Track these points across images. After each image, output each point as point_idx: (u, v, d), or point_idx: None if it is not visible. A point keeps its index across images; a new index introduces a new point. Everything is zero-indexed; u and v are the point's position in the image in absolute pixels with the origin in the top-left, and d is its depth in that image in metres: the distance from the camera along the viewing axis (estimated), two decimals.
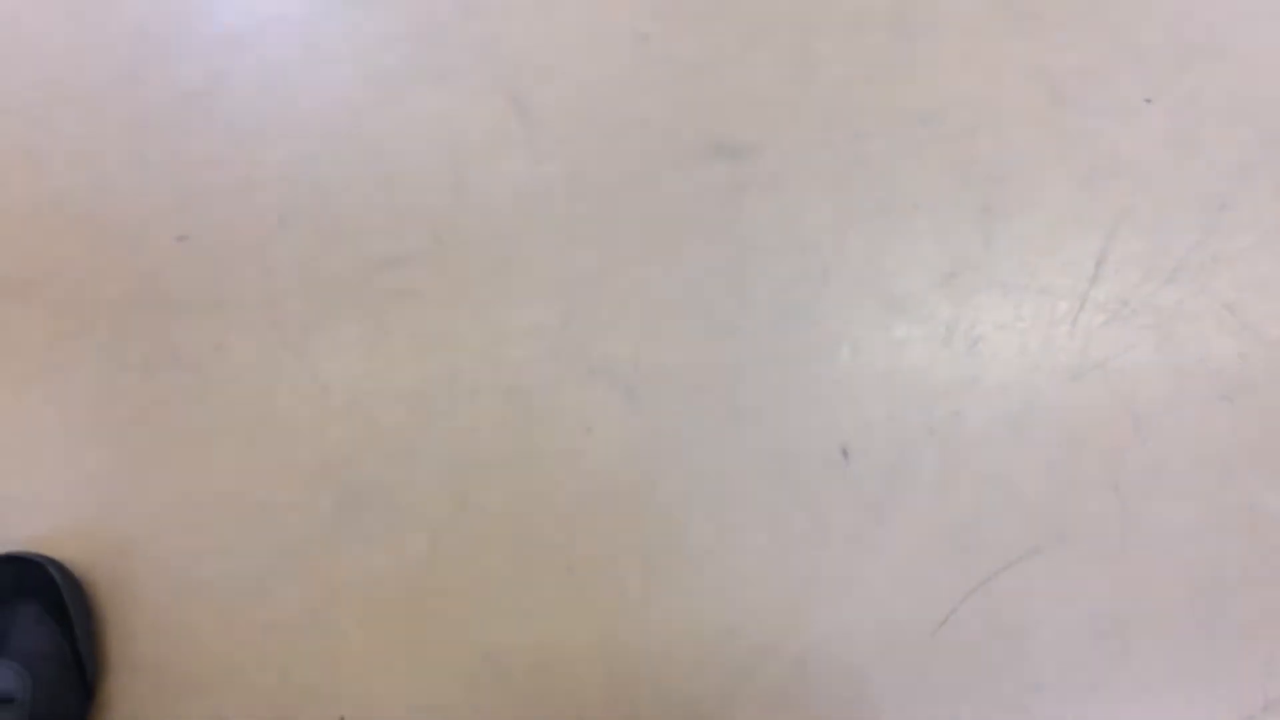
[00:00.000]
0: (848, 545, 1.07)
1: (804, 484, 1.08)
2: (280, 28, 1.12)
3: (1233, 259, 1.09)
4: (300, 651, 1.05)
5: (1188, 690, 1.06)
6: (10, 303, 1.09)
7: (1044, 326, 1.09)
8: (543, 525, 1.07)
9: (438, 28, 1.12)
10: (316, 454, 1.08)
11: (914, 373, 1.09)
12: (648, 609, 1.06)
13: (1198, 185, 1.10)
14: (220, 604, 1.06)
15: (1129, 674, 1.06)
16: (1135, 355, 1.09)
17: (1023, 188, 1.10)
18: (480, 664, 1.05)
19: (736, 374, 1.09)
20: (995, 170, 1.10)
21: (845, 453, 1.08)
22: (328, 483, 1.07)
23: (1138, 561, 1.07)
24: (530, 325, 1.09)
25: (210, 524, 1.06)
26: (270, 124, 1.10)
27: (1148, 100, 1.11)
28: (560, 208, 1.10)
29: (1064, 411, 1.08)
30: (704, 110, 1.10)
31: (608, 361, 1.09)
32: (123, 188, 1.10)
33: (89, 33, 1.11)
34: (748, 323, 1.09)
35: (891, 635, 1.06)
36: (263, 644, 1.05)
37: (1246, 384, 1.09)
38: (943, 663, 1.06)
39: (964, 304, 1.10)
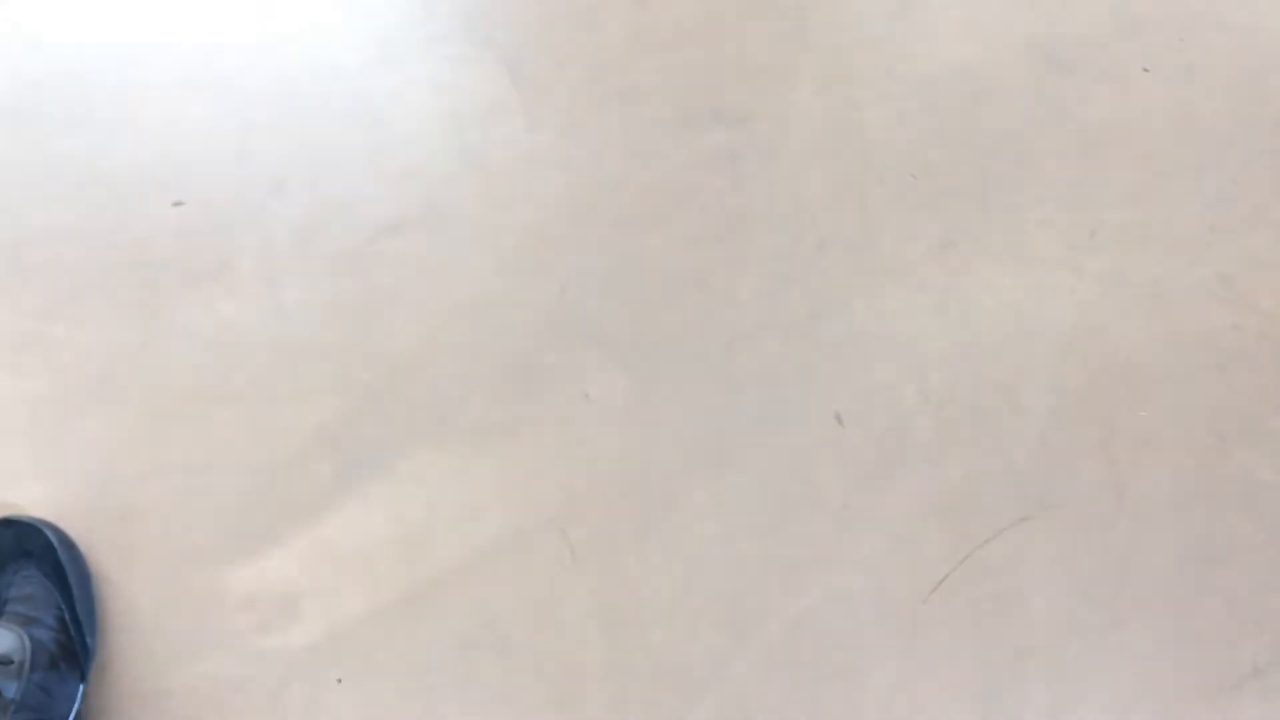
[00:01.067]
0: (842, 512, 1.08)
1: (799, 451, 1.09)
2: None
3: (1228, 230, 1.10)
4: (298, 615, 1.06)
5: (1177, 656, 1.07)
6: (6, 269, 1.08)
7: (1039, 295, 1.10)
8: (539, 491, 1.08)
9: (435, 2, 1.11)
10: (314, 420, 1.08)
11: (909, 341, 1.09)
12: (643, 574, 1.07)
13: (1195, 156, 1.10)
14: (218, 568, 1.06)
15: (1119, 640, 1.07)
16: (1129, 325, 1.09)
17: (1019, 157, 1.10)
18: (477, 628, 1.06)
19: (732, 341, 1.09)
20: (992, 139, 1.10)
21: (840, 420, 1.09)
22: (326, 448, 1.07)
23: (1129, 529, 1.08)
24: (527, 292, 1.09)
25: (208, 489, 1.07)
26: (266, 90, 1.10)
27: (1146, 70, 1.11)
28: (556, 175, 1.10)
29: (1058, 380, 1.09)
30: (700, 79, 1.10)
31: (605, 328, 1.09)
32: (118, 153, 1.10)
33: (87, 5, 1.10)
34: (743, 291, 1.09)
35: (885, 601, 1.07)
36: (260, 608, 1.06)
37: (1240, 355, 1.09)
38: (935, 628, 1.07)
39: (959, 273, 1.10)
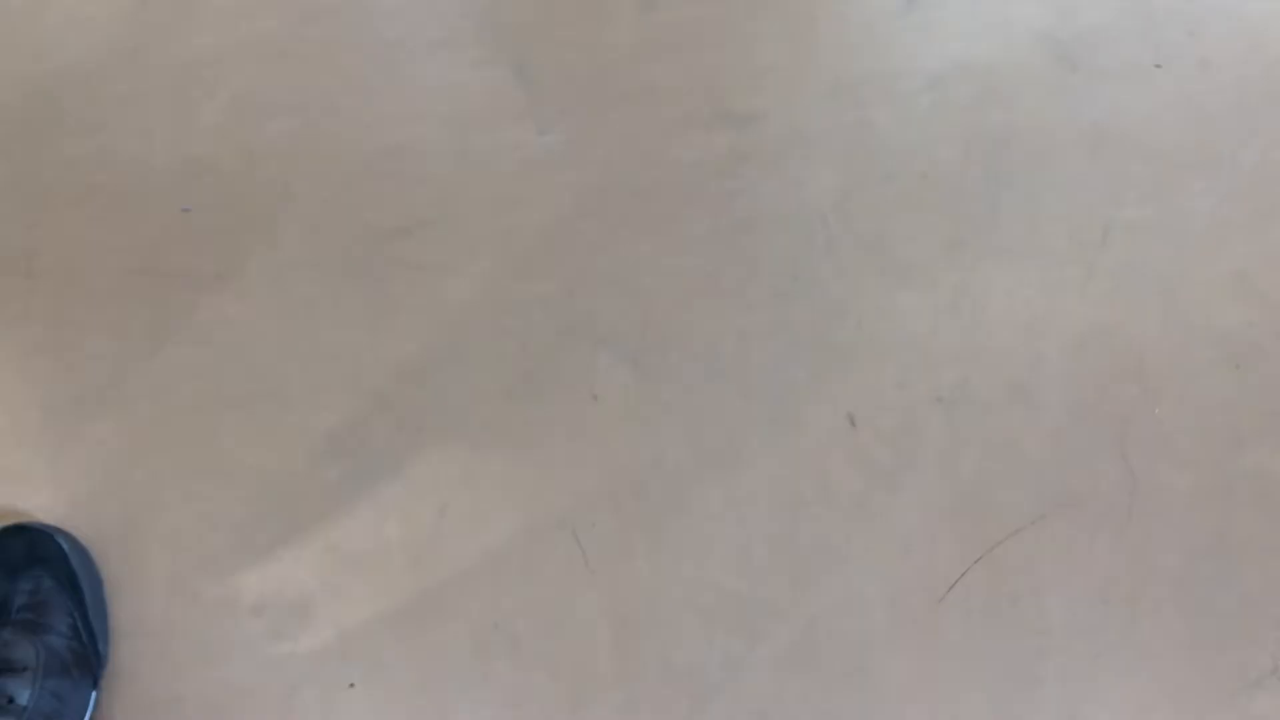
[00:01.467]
0: (855, 512, 1.08)
1: (811, 452, 1.08)
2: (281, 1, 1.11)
3: (1242, 226, 1.09)
4: (310, 620, 1.06)
5: (1195, 655, 1.06)
6: (16, 276, 1.09)
7: (1051, 292, 1.09)
8: (550, 493, 1.08)
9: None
10: (324, 424, 1.08)
11: (920, 340, 1.09)
12: (655, 575, 1.07)
13: (1208, 152, 1.09)
14: (229, 574, 1.06)
15: (1136, 640, 1.06)
16: (1143, 321, 1.08)
17: (1030, 153, 1.09)
18: (489, 630, 1.06)
19: (742, 342, 1.09)
20: (1002, 136, 1.09)
21: (852, 421, 1.08)
22: (336, 452, 1.08)
23: (1145, 527, 1.07)
24: (536, 294, 1.09)
25: (218, 494, 1.07)
26: (274, 96, 1.10)
27: (1158, 66, 1.10)
28: (564, 177, 1.09)
29: (1071, 378, 1.08)
30: (708, 80, 1.10)
31: (614, 330, 1.09)
32: (127, 159, 1.10)
33: (91, 5, 1.10)
34: (753, 291, 1.09)
35: (899, 601, 1.07)
36: (272, 613, 1.06)
37: (1255, 351, 1.08)
38: (950, 629, 1.06)
39: (970, 271, 1.09)
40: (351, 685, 1.05)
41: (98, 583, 1.04)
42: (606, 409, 1.08)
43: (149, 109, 1.10)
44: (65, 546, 1.02)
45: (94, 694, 1.01)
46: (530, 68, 1.11)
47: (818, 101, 1.10)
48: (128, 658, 1.05)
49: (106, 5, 1.11)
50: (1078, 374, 1.08)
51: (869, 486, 1.08)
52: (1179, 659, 1.06)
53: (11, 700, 0.92)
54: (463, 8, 1.11)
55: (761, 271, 1.09)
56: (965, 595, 1.07)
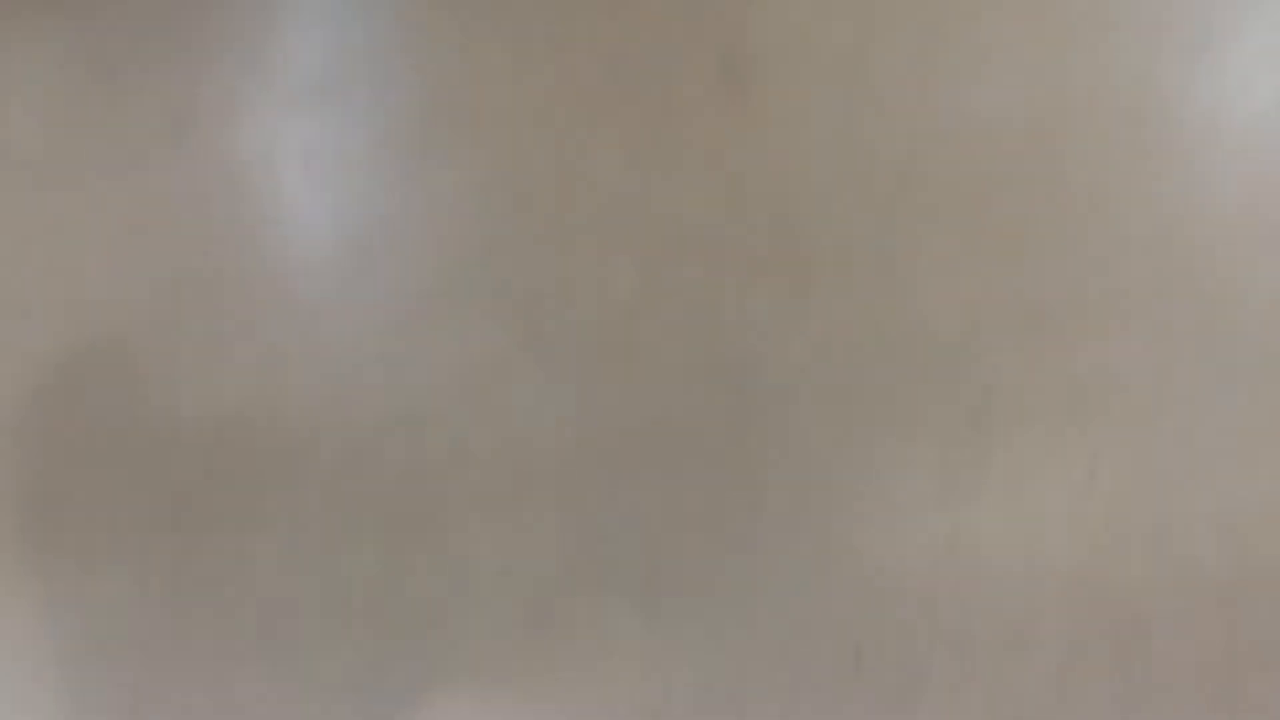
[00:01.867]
0: None
1: (817, 687, 1.10)
2: (305, 265, 1.18)
3: (1221, 467, 1.13)
4: None
5: None
6: (44, 520, 1.12)
7: (1042, 535, 1.12)
8: None
9: (456, 265, 1.17)
10: (338, 663, 1.10)
11: (920, 579, 1.12)
12: None
13: (1183, 402, 1.14)
14: None
15: None
16: (1132, 562, 1.12)
17: (1014, 402, 1.14)
18: None
19: (750, 582, 1.12)
20: (985, 388, 1.14)
21: (858, 656, 1.11)
22: (350, 695, 1.09)
23: None
24: (546, 539, 1.12)
25: None
26: (299, 354, 1.15)
27: (1125, 326, 1.15)
28: (571, 426, 1.14)
29: (1066, 618, 1.11)
30: (709, 336, 1.16)
31: (621, 570, 1.12)
32: (156, 412, 1.15)
33: (128, 277, 1.16)
34: (759, 532, 1.12)
35: None
36: None
37: (1244, 590, 1.11)
38: None
39: (964, 513, 1.13)
40: None
41: None
42: (614, 647, 1.11)
43: (179, 365, 1.16)
44: None
45: None
46: (538, 325, 1.16)
47: (813, 356, 1.16)
48: None
49: (141, 274, 1.17)
50: (1072, 614, 1.11)
51: None
52: None
53: None
54: (471, 268, 1.18)
55: (765, 513, 1.13)
56: None
